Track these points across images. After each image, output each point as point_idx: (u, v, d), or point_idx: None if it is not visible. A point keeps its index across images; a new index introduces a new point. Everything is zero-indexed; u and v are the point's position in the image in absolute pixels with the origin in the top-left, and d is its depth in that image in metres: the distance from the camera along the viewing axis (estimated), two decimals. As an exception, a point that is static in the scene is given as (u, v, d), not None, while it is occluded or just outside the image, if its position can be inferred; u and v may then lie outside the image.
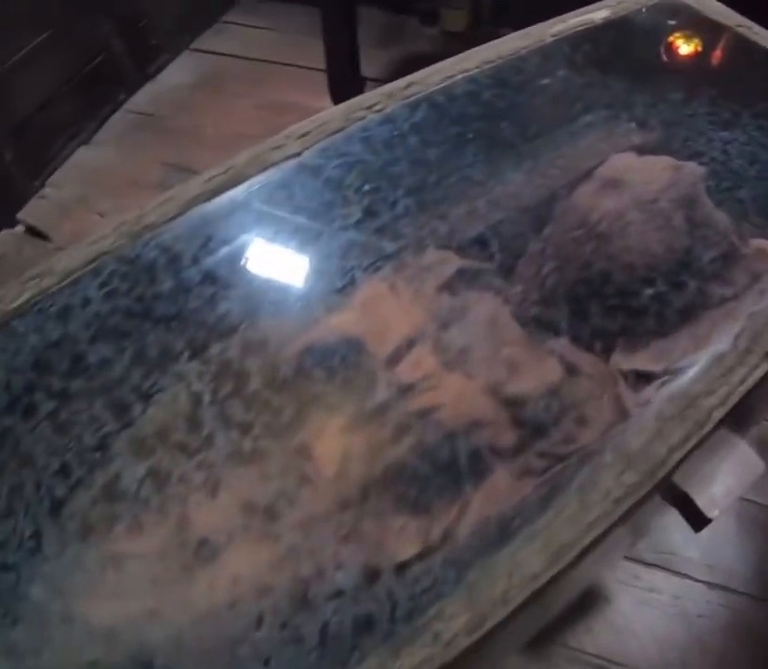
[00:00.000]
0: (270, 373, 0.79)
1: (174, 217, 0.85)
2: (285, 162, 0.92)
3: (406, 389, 0.81)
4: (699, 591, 1.38)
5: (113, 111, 2.28)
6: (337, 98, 2.19)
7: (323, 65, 2.26)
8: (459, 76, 1.13)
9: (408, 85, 1.09)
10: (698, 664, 1.30)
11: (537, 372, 0.90)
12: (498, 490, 0.69)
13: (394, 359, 0.83)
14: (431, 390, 0.82)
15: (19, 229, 1.95)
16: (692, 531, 1.40)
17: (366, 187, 0.91)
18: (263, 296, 0.82)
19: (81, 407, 0.73)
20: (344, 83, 2.21)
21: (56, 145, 2.14)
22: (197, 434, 0.70)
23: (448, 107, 1.09)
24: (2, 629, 0.69)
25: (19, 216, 1.96)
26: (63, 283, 0.81)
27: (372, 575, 0.62)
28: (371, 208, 0.90)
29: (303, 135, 0.97)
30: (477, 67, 1.15)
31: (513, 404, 0.84)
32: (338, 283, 0.85)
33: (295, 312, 0.82)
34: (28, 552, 0.68)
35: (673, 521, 1.40)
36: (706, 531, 1.39)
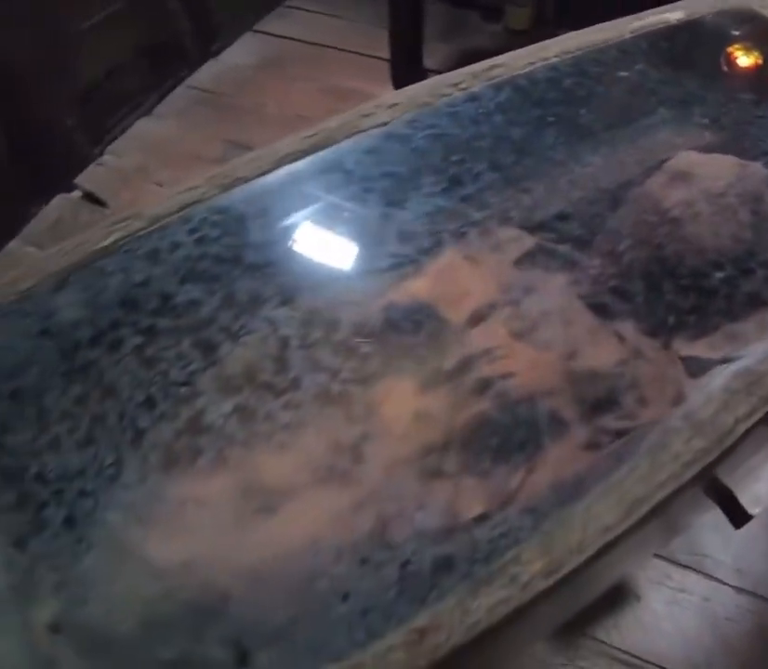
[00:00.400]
0: (350, 328, 0.82)
1: (264, 173, 0.89)
2: (374, 129, 0.96)
3: (482, 354, 0.84)
4: (729, 595, 1.39)
5: (175, 86, 2.34)
6: (399, 87, 2.22)
7: (384, 54, 2.30)
8: (540, 63, 1.18)
9: (492, 68, 1.13)
10: (723, 666, 1.31)
11: (603, 349, 0.93)
12: (573, 449, 0.72)
13: (470, 324, 0.87)
14: (505, 358, 0.85)
15: (76, 194, 2.00)
16: (726, 536, 1.43)
17: (451, 158, 0.95)
18: (346, 254, 0.85)
19: (168, 344, 0.77)
20: (406, 73, 2.25)
21: (117, 115, 2.20)
22: (284, 376, 0.73)
23: (530, 90, 1.13)
24: (77, 555, 0.73)
25: (77, 181, 2.02)
26: (152, 228, 0.85)
27: (452, 519, 0.65)
28: (454, 179, 0.94)
29: (392, 105, 1.01)
30: (557, 56, 1.19)
31: (581, 377, 0.88)
32: (418, 248, 0.88)
33: (375, 272, 0.86)
34: (108, 480, 0.71)
35: (708, 524, 1.43)
36: (739, 537, 1.42)
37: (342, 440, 0.71)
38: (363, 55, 2.49)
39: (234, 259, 0.82)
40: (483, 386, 0.81)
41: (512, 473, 0.69)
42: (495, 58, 1.16)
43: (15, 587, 0.76)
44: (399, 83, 2.25)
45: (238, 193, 0.87)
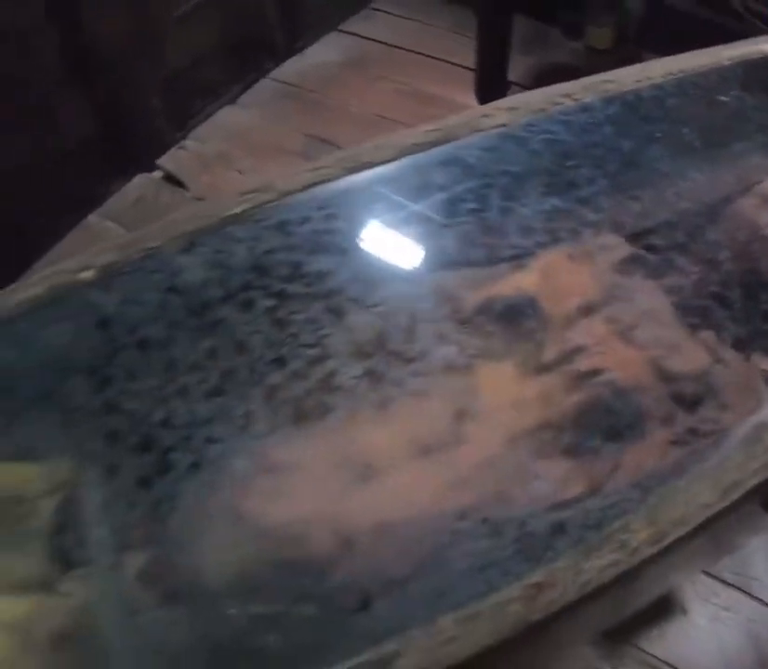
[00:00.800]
0: (458, 311, 0.90)
1: (389, 160, 0.98)
2: (493, 130, 1.05)
3: (581, 349, 0.92)
4: (773, 618, 1.45)
5: (258, 79, 2.44)
6: (483, 97, 2.33)
7: (464, 61, 2.41)
8: (647, 82, 1.27)
9: (603, 82, 1.22)
10: (762, 688, 1.37)
11: (690, 354, 1.00)
12: (665, 440, 0.80)
13: (570, 320, 0.95)
14: (602, 354, 0.93)
15: (157, 174, 2.11)
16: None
17: (564, 162, 1.03)
18: (463, 241, 0.94)
19: (298, 308, 0.85)
20: (491, 84, 2.35)
21: (202, 101, 2.31)
22: (412, 346, 0.82)
23: (637, 106, 1.22)
24: (201, 496, 0.81)
25: (159, 162, 2.12)
26: (281, 201, 0.94)
27: (565, 489, 0.73)
28: (566, 182, 1.02)
29: (510, 109, 1.09)
30: (662, 76, 1.29)
31: (670, 377, 0.95)
32: (529, 243, 0.97)
33: (489, 262, 0.94)
34: (238, 429, 0.80)
35: (759, 548, 1.49)
36: (788, 565, 1.47)
37: (461, 410, 0.79)
38: (443, 61, 2.59)
39: (360, 237, 0.91)
40: (582, 377, 0.89)
41: (616, 453, 0.76)
42: (605, 73, 1.25)
43: (113, 532, 0.84)
44: (483, 94, 2.34)
45: (364, 176, 0.95)
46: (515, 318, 0.92)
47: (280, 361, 0.82)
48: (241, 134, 2.18)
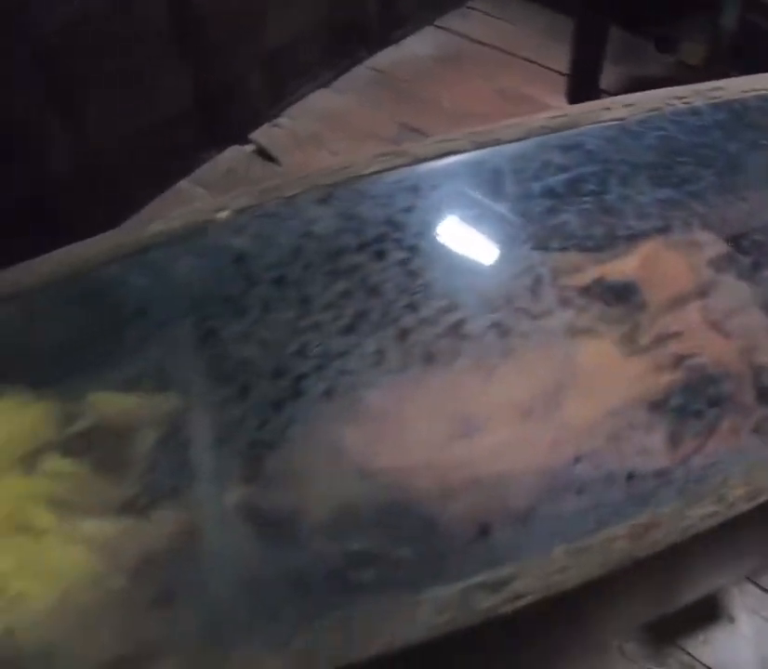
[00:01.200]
0: (566, 288, 1.02)
1: (518, 139, 1.10)
2: (612, 122, 1.17)
3: (674, 335, 1.03)
4: (820, 635, 1.53)
5: (353, 66, 2.58)
6: (574, 102, 2.44)
7: (557, 66, 2.53)
8: (752, 93, 1.37)
9: (714, 89, 1.33)
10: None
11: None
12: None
13: (668, 306, 1.06)
14: (696, 341, 1.03)
15: (249, 147, 2.25)
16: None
17: (677, 158, 1.15)
18: (580, 221, 1.05)
19: (429, 262, 0.97)
20: (582, 90, 2.47)
21: (297, 82, 2.45)
22: (538, 304, 0.93)
23: (743, 114, 1.32)
24: (307, 433, 0.91)
25: (252, 136, 2.26)
26: (413, 166, 1.07)
27: (671, 446, 0.84)
28: (677, 177, 1.13)
29: (628, 104, 1.21)
30: (766, 89, 1.39)
31: (758, 369, 1.06)
32: (635, 230, 1.08)
33: (597, 243, 1.06)
34: (370, 365, 0.91)
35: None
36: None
37: (569, 374, 0.90)
38: (535, 63, 2.71)
39: (485, 206, 1.02)
40: (677, 358, 1.00)
41: (715, 420, 0.87)
42: (715, 81, 1.37)
43: (214, 465, 0.93)
44: (574, 99, 2.46)
45: (493, 152, 1.07)
46: (617, 299, 1.03)
47: (411, 307, 0.94)
48: (334, 117, 2.31)
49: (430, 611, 0.73)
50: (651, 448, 0.84)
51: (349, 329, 0.93)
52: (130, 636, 0.83)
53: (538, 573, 0.75)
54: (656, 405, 0.89)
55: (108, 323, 1.03)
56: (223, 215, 1.03)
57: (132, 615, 0.85)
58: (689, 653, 1.48)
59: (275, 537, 0.88)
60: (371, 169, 1.06)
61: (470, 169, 1.06)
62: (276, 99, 2.38)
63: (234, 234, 1.03)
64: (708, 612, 1.53)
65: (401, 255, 0.98)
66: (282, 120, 2.33)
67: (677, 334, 1.04)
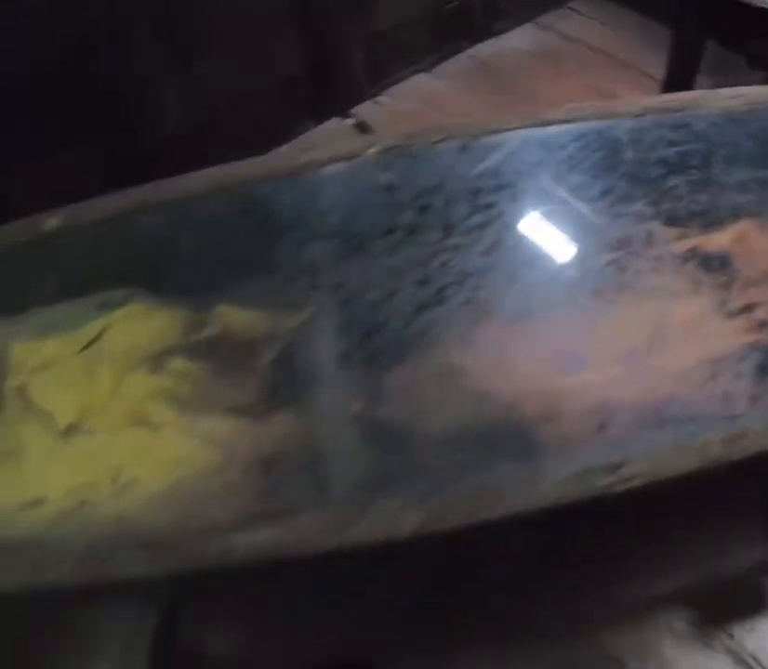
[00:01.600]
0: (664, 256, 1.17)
1: (637, 115, 1.26)
2: (718, 109, 1.32)
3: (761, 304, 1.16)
4: None
5: (454, 53, 2.75)
6: (665, 107, 2.59)
7: (652, 72, 2.66)
8: None
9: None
10: None
11: None
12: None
13: (758, 278, 1.20)
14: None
15: (349, 121, 2.42)
16: None
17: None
18: (684, 194, 1.20)
19: (556, 208, 1.13)
20: (675, 96, 2.61)
21: (399, 63, 2.62)
22: (646, 262, 1.10)
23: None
24: (422, 352, 1.04)
25: (353, 110, 2.44)
26: (543, 127, 1.23)
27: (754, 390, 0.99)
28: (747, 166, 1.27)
29: (734, 96, 1.35)
30: None
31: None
32: (732, 207, 1.23)
33: (696, 216, 1.21)
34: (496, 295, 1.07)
35: None
36: None
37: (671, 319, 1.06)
38: (631, 67, 2.86)
39: (608, 168, 1.18)
40: (762, 324, 1.14)
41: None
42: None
43: (332, 378, 1.04)
44: (666, 103, 2.61)
45: (611, 124, 1.23)
46: (711, 268, 1.18)
47: (535, 246, 1.10)
48: (434, 99, 2.47)
49: (553, 486, 0.89)
50: (742, 377, 0.99)
51: (485, 253, 1.09)
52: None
53: (646, 463, 0.90)
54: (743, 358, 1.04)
55: (250, 241, 1.16)
56: (372, 150, 1.18)
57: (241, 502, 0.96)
58: (735, 639, 1.57)
59: (385, 447, 0.98)
60: (506, 125, 1.22)
61: (593, 135, 1.21)
62: (379, 78, 2.56)
63: (382, 168, 1.18)
64: (757, 602, 1.63)
65: (531, 200, 1.14)
66: (383, 98, 2.49)
67: (763, 304, 1.18)
